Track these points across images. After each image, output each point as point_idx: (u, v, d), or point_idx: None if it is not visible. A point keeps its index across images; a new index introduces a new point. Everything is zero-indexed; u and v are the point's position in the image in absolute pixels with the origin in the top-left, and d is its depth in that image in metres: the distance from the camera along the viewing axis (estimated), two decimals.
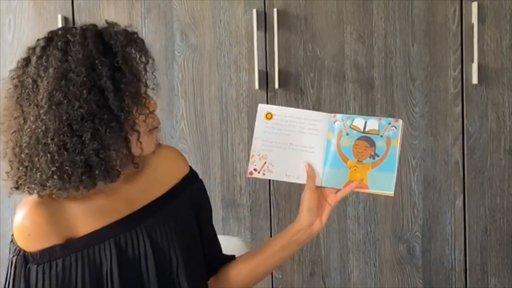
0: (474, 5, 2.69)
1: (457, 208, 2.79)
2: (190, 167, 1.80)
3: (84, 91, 1.45)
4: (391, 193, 1.65)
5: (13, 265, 1.55)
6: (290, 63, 2.79)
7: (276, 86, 2.77)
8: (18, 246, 1.55)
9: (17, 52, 2.87)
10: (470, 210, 2.78)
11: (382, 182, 1.65)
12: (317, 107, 2.78)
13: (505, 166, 2.76)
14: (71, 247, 1.55)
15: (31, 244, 1.53)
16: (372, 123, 1.66)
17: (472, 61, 2.71)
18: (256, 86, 2.78)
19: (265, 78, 2.79)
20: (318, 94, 2.79)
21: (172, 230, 1.65)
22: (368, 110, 2.77)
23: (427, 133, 2.77)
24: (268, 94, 2.80)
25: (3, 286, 1.58)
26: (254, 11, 2.75)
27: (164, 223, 1.65)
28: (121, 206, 1.62)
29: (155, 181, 1.69)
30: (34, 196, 1.55)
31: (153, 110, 1.59)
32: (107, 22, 1.56)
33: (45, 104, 1.46)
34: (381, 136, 1.65)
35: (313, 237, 1.74)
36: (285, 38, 2.78)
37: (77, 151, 1.46)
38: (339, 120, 1.67)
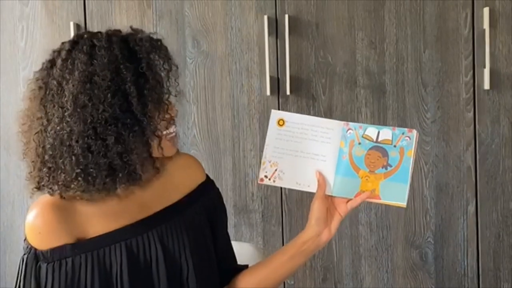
0: (486, 11, 2.68)
1: (469, 214, 2.78)
2: (207, 175, 1.80)
3: (109, 95, 1.48)
4: (403, 204, 1.61)
5: (24, 262, 1.56)
6: (301, 69, 2.79)
7: (288, 92, 2.77)
8: (29, 244, 1.56)
9: (30, 59, 2.89)
10: (483, 215, 2.77)
11: (395, 193, 1.61)
12: (328, 113, 2.78)
13: None
14: (82, 247, 1.56)
15: (42, 242, 1.55)
16: (385, 133, 1.63)
17: (484, 67, 2.70)
18: (268, 92, 2.78)
19: (277, 84, 2.79)
20: (330, 100, 2.79)
21: (185, 237, 1.65)
22: (379, 116, 2.77)
23: (439, 139, 2.76)
24: (280, 100, 2.80)
25: (14, 285, 1.59)
26: (266, 17, 2.75)
27: (177, 230, 1.65)
28: (134, 210, 1.63)
29: (170, 187, 1.70)
30: (46, 196, 1.57)
31: (173, 116, 1.62)
32: (132, 29, 1.59)
33: (70, 107, 1.49)
34: (395, 146, 1.62)
35: (322, 247, 1.71)
36: (297, 44, 2.78)
37: (101, 154, 1.49)
38: (352, 129, 1.64)
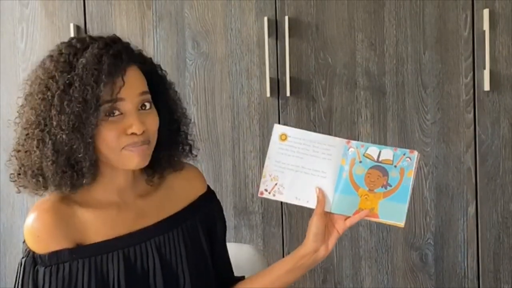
0: (486, 12, 2.68)
1: (469, 215, 2.78)
2: (208, 186, 1.81)
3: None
4: (401, 224, 1.62)
5: (22, 266, 1.57)
6: (301, 71, 2.79)
7: (288, 93, 2.77)
8: (28, 247, 1.57)
9: (30, 61, 2.89)
10: (483, 217, 2.77)
11: (393, 213, 1.62)
12: (328, 114, 2.78)
13: None
14: (80, 253, 1.57)
15: (40, 246, 1.55)
16: (387, 153, 1.63)
17: (484, 68, 2.70)
18: (268, 94, 2.78)
19: (277, 86, 2.79)
20: (330, 101, 2.79)
21: (182, 248, 1.66)
22: (379, 118, 2.77)
23: (439, 140, 2.76)
24: (280, 101, 2.80)
25: (13, 286, 1.60)
26: (266, 19, 2.76)
27: (175, 241, 1.66)
28: (133, 220, 1.63)
29: (171, 199, 1.70)
30: (46, 200, 1.58)
31: (133, 132, 1.54)
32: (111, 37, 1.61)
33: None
34: (395, 166, 1.62)
35: (318, 262, 1.70)
36: (297, 45, 2.78)
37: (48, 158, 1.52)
38: (354, 147, 1.64)
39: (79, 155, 1.50)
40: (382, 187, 1.63)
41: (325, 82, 2.79)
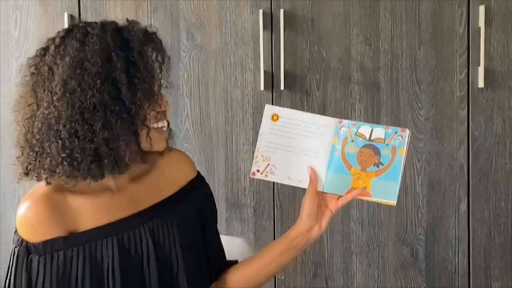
0: (481, 9, 2.68)
1: (461, 212, 2.78)
2: (198, 172, 1.81)
3: (98, 81, 1.49)
4: (393, 202, 1.62)
5: (15, 255, 1.56)
6: (296, 64, 2.79)
7: (282, 87, 2.77)
8: (21, 237, 1.56)
9: (23, 50, 2.88)
10: (475, 214, 2.77)
11: (385, 191, 1.62)
12: (322, 108, 2.78)
13: (510, 170, 2.76)
14: (73, 240, 1.56)
15: (34, 234, 1.54)
16: (378, 131, 1.64)
17: (479, 65, 2.70)
18: (262, 87, 2.77)
19: (271, 79, 2.79)
20: (324, 95, 2.79)
21: (175, 232, 1.66)
22: (373, 113, 2.77)
23: (432, 136, 2.76)
24: (274, 95, 2.80)
25: (4, 278, 1.59)
26: (261, 11, 2.75)
27: (168, 225, 1.66)
28: (126, 205, 1.63)
29: (162, 183, 1.70)
30: (38, 189, 1.57)
31: (165, 110, 1.63)
32: (127, 20, 1.60)
33: (59, 91, 1.49)
34: (387, 145, 1.63)
35: (311, 242, 1.71)
36: (291, 39, 2.78)
37: (87, 139, 1.49)
38: (345, 126, 1.65)
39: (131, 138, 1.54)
40: (374, 165, 1.63)
41: (319, 76, 2.79)
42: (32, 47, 2.77)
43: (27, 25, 2.91)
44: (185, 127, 2.84)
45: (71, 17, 2.85)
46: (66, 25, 2.76)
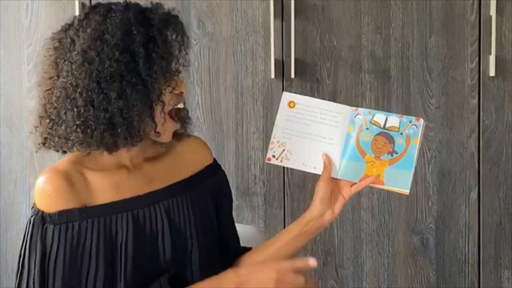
0: None
1: (471, 201, 2.78)
2: (214, 159, 1.84)
3: (117, 52, 1.53)
4: (407, 191, 1.65)
5: (31, 224, 1.58)
6: (306, 53, 2.78)
7: (292, 75, 2.76)
8: (37, 207, 1.59)
9: (34, 37, 2.88)
10: (485, 202, 2.77)
11: (399, 180, 1.65)
12: (333, 97, 2.78)
13: None
14: (89, 212, 1.59)
15: (50, 205, 1.57)
16: (393, 120, 1.66)
17: (490, 53, 2.69)
18: (272, 75, 2.77)
19: (281, 67, 2.78)
20: (334, 84, 2.79)
21: (191, 213, 1.69)
22: (384, 101, 2.76)
23: (443, 125, 2.76)
24: (284, 83, 2.79)
25: (21, 245, 1.62)
26: None
27: (183, 205, 1.69)
28: (142, 183, 1.66)
29: (178, 166, 1.74)
30: (57, 165, 1.61)
31: (182, 92, 1.65)
32: (151, 4, 1.64)
33: (78, 60, 1.54)
34: (401, 133, 1.65)
35: (324, 227, 1.75)
36: (302, 27, 2.77)
37: (102, 107, 1.53)
38: (361, 114, 1.68)
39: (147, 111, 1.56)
40: (388, 154, 1.65)
41: (330, 64, 2.79)
42: (43, 35, 2.77)
43: (38, 13, 2.91)
44: (196, 115, 2.84)
45: (83, 4, 2.85)
46: (77, 12, 2.76)
